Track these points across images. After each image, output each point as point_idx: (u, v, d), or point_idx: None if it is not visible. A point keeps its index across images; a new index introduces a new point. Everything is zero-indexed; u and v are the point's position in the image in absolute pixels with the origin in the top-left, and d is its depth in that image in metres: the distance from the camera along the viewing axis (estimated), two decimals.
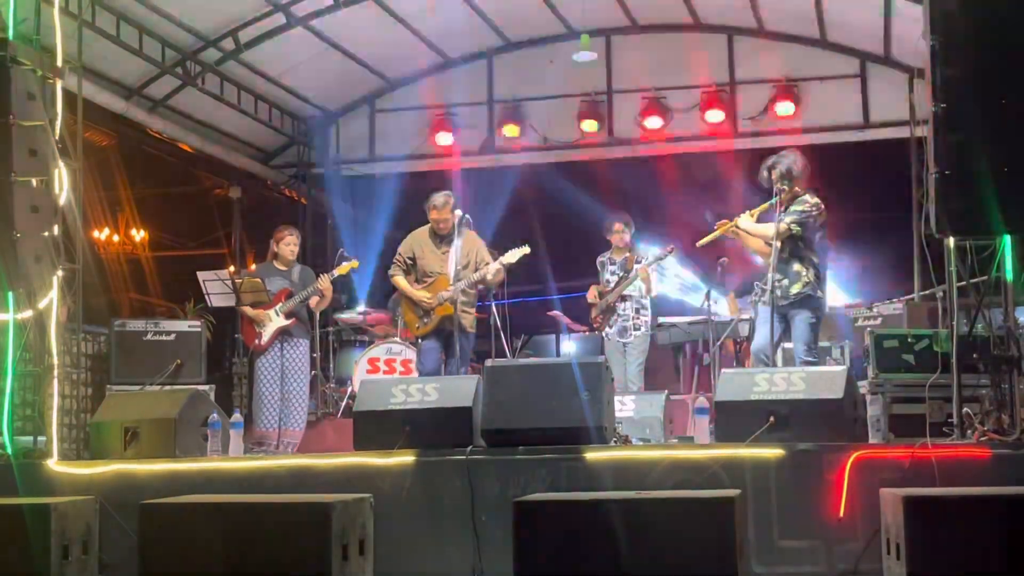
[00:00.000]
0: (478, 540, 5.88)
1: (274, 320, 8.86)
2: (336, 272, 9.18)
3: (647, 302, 9.54)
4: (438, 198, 8.61)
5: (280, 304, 8.88)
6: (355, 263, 9.38)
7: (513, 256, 8.55)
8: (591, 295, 9.72)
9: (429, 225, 8.69)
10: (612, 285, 9.57)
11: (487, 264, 8.55)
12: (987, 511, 4.84)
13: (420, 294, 8.55)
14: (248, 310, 8.90)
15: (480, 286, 8.68)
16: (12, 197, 6.64)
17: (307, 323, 9.19)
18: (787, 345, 7.90)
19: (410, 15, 11.13)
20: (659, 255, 9.53)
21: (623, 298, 9.49)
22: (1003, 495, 4.98)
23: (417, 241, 8.75)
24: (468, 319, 8.61)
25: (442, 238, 8.61)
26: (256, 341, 8.85)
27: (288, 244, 9.09)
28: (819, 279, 7.52)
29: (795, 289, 7.45)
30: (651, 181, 12.31)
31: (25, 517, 5.52)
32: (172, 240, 16.11)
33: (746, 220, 7.70)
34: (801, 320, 7.47)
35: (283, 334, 8.89)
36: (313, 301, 9.02)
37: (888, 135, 11.40)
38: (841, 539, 5.60)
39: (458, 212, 8.50)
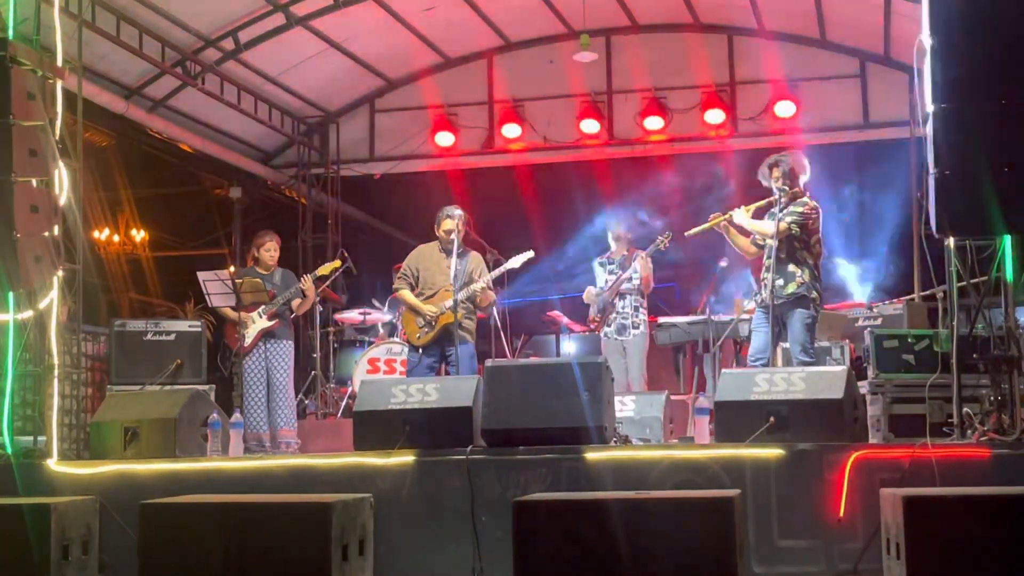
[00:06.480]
0: (478, 540, 5.88)
1: (257, 322, 8.92)
2: (318, 272, 9.34)
3: (645, 301, 9.52)
4: (455, 215, 8.48)
5: (263, 306, 8.93)
6: (337, 263, 9.53)
7: (516, 261, 8.57)
8: (587, 296, 9.71)
9: (436, 242, 8.64)
10: (611, 284, 9.56)
11: (478, 282, 8.44)
12: (987, 511, 4.84)
13: (426, 307, 8.47)
14: (230, 312, 8.94)
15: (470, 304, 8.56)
16: (12, 197, 6.62)
17: (290, 324, 9.27)
18: (784, 345, 7.90)
19: (410, 15, 11.12)
20: (657, 242, 9.49)
21: (621, 295, 9.47)
22: (1003, 495, 4.98)
23: (423, 255, 8.71)
24: (469, 324, 8.57)
25: (449, 252, 8.50)
26: (239, 343, 8.88)
27: (268, 250, 9.19)
28: (814, 279, 7.53)
29: (789, 289, 7.46)
30: (651, 181, 12.31)
31: (25, 517, 5.52)
32: (172, 240, 16.13)
33: (741, 215, 7.69)
34: (796, 320, 7.48)
35: (266, 336, 8.97)
36: (295, 303, 9.07)
37: (888, 135, 11.39)
38: (841, 539, 5.60)
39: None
